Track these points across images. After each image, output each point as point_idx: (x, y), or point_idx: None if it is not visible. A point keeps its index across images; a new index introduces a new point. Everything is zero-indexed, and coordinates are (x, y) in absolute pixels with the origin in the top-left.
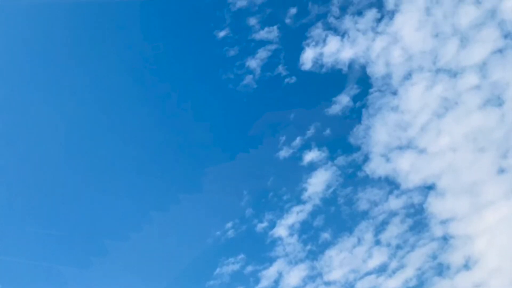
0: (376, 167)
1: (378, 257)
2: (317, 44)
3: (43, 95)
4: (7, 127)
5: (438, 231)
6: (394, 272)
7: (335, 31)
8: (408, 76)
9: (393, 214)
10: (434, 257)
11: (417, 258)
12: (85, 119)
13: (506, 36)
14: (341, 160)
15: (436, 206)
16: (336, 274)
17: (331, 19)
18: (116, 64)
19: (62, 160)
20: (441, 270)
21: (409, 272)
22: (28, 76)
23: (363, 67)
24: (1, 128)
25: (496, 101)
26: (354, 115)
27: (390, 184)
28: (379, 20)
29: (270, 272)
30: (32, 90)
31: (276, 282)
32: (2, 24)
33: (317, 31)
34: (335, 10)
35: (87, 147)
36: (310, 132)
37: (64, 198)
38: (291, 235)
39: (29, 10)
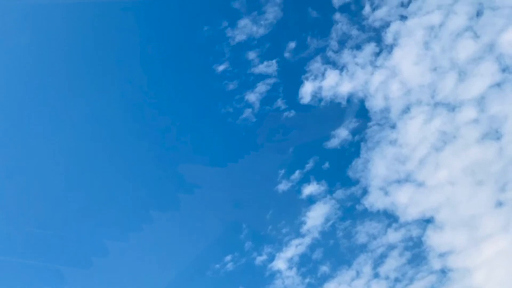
0: (375, 200)
1: None
2: (316, 78)
3: (43, 94)
4: (7, 127)
5: (436, 264)
6: None
7: (334, 65)
8: (406, 109)
9: (391, 247)
10: None
11: None
12: (86, 120)
13: (504, 70)
14: (340, 193)
15: (435, 239)
16: None
17: (330, 53)
18: (116, 98)
19: (62, 161)
20: None
21: None
22: (27, 76)
23: (362, 101)
24: (1, 128)
25: (494, 134)
26: (353, 148)
27: (389, 217)
28: (377, 54)
29: None
30: (32, 90)
31: None
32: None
33: (316, 65)
34: (334, 44)
35: (87, 148)
36: (309, 165)
37: (64, 198)
38: (290, 268)
39: (29, 10)
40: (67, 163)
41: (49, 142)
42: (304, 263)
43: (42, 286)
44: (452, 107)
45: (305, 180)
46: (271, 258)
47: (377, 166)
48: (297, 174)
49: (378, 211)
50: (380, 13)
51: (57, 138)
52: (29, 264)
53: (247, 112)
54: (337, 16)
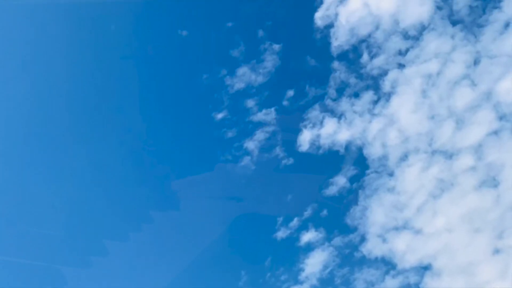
0: (373, 247)
1: None
2: (314, 125)
3: (42, 94)
4: (6, 127)
5: None
6: None
7: (332, 113)
8: (404, 157)
9: None
10: None
11: None
12: (85, 121)
13: (501, 118)
14: (338, 240)
15: (432, 286)
16: None
17: (328, 101)
18: (114, 149)
19: (62, 160)
20: None
21: None
22: (27, 75)
23: (360, 149)
24: (0, 128)
25: (492, 182)
26: (351, 196)
27: (387, 264)
28: (375, 102)
29: None
30: (32, 90)
31: None
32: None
33: (314, 113)
34: (332, 92)
35: (87, 148)
36: (307, 213)
37: (64, 198)
38: None
39: (29, 10)
40: (67, 163)
41: (49, 142)
42: None
43: (42, 286)
44: (449, 155)
45: (303, 227)
46: None
47: (375, 214)
48: (295, 222)
49: (376, 258)
50: (378, 61)
51: (57, 137)
52: (29, 264)
53: (246, 159)
54: (336, 64)
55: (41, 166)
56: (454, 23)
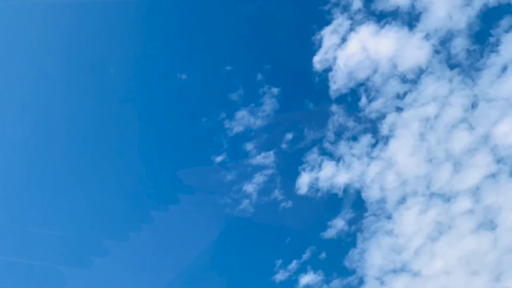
0: None
1: None
2: (312, 169)
3: (42, 94)
4: (6, 127)
5: None
6: None
7: (331, 156)
8: (402, 200)
9: None
10: None
11: None
12: (85, 120)
13: (498, 161)
14: (336, 283)
15: None
16: None
17: (326, 144)
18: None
19: (62, 160)
20: None
21: None
22: (27, 75)
23: (358, 192)
24: (0, 128)
25: (489, 225)
26: (350, 238)
27: None
28: (374, 145)
29: None
30: (32, 90)
31: None
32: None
33: (313, 156)
34: (330, 135)
35: (87, 148)
36: (306, 255)
37: (64, 198)
38: None
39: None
40: (67, 163)
41: (49, 142)
42: None
43: (42, 286)
44: (447, 198)
45: (302, 270)
46: None
47: (374, 256)
48: (294, 264)
49: None
50: (376, 104)
51: (57, 137)
52: (29, 264)
53: (245, 203)
54: (334, 107)
55: (41, 166)
56: (451, 66)
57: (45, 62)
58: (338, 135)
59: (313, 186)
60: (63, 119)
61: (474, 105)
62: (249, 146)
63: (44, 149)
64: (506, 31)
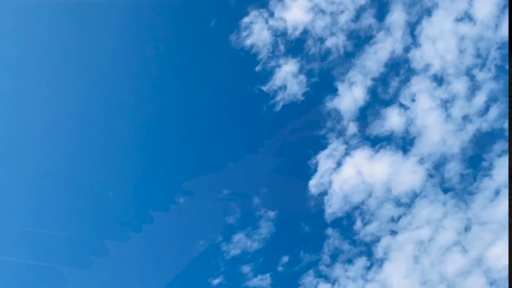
0: None
1: None
2: None
3: (42, 93)
4: (6, 126)
5: None
6: None
7: (326, 278)
8: None
9: None
10: None
11: None
12: (86, 120)
13: (491, 283)
14: None
15: None
16: None
17: (322, 267)
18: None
19: (62, 160)
20: None
21: None
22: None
23: None
24: (0, 127)
25: None
26: None
27: None
28: (368, 268)
29: None
30: (32, 90)
31: None
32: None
33: (309, 278)
34: (326, 258)
35: (87, 148)
36: None
37: (64, 198)
38: None
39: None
40: (67, 162)
41: (49, 142)
42: None
43: (42, 286)
44: None
45: None
46: None
47: None
48: None
49: None
50: (371, 228)
51: (57, 137)
52: (29, 264)
53: None
54: (329, 231)
55: (41, 166)
56: (445, 190)
57: (45, 62)
58: (334, 258)
59: None
60: (63, 119)
61: (467, 228)
62: (245, 269)
63: (44, 149)
64: (499, 156)
